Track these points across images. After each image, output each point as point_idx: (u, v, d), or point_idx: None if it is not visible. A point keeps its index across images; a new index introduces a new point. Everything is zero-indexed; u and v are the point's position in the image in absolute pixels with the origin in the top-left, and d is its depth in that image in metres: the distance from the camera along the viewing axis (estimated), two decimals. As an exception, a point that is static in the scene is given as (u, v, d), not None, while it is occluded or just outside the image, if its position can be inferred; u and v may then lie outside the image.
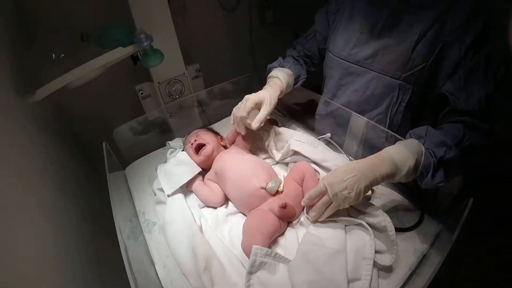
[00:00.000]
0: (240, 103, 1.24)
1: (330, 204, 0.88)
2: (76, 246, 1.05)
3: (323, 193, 0.89)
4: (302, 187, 1.03)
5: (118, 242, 0.88)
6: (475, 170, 1.09)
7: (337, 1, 1.27)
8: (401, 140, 0.99)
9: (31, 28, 1.51)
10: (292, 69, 1.35)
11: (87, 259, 1.10)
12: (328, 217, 0.91)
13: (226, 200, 1.13)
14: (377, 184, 0.88)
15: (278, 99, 1.26)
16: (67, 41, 1.37)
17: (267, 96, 1.21)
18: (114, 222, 0.93)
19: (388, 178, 0.88)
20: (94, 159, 1.77)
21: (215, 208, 1.11)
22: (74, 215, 1.17)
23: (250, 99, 1.19)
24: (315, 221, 0.94)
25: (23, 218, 0.81)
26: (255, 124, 1.16)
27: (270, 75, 1.34)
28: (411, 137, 0.95)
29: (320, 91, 1.41)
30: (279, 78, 1.29)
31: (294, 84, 1.36)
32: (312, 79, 1.46)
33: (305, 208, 0.99)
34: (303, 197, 0.95)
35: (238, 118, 1.18)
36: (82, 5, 1.59)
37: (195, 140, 1.22)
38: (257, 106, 1.20)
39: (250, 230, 0.96)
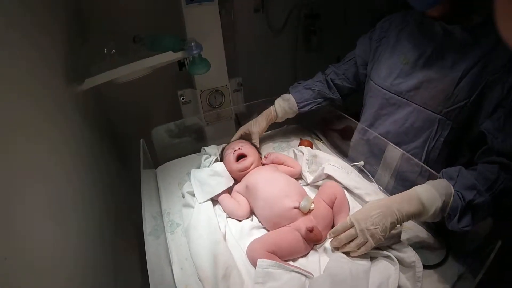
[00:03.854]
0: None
1: (355, 238, 0.88)
2: (96, 235, 1.08)
3: (348, 227, 0.89)
4: (332, 208, 1.01)
5: (136, 237, 0.88)
6: (506, 212, 1.05)
7: (382, 29, 1.28)
8: (435, 175, 0.98)
9: (88, 25, 1.60)
10: (297, 95, 1.45)
11: (104, 249, 1.12)
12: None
13: (251, 213, 1.14)
14: (403, 221, 0.87)
15: (316, 122, 1.43)
16: (120, 41, 1.45)
17: (253, 123, 1.43)
18: (135, 216, 0.95)
19: (414, 217, 0.88)
20: (127, 154, 1.83)
21: (240, 220, 1.12)
22: (99, 205, 1.20)
23: (239, 130, 1.44)
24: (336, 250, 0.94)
25: (54, 202, 0.83)
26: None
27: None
28: (443, 177, 0.93)
29: (357, 117, 1.42)
30: (274, 106, 1.46)
31: (301, 108, 1.45)
32: (348, 104, 1.49)
33: None
34: (332, 219, 0.96)
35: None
36: (139, 10, 1.68)
37: (239, 148, 1.25)
38: (247, 135, 1.43)
39: (267, 237, 0.97)
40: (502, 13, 0.37)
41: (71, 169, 1.02)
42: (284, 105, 1.43)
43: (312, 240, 0.96)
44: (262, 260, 0.86)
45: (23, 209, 0.67)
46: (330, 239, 0.95)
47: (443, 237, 1.02)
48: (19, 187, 0.66)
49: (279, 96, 1.50)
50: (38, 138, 0.83)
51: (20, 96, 0.76)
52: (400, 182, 1.19)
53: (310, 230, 0.94)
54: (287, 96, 1.45)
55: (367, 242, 0.86)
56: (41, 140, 0.85)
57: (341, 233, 0.90)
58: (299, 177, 1.27)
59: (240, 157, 1.23)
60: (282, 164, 1.27)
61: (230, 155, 1.24)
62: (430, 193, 0.87)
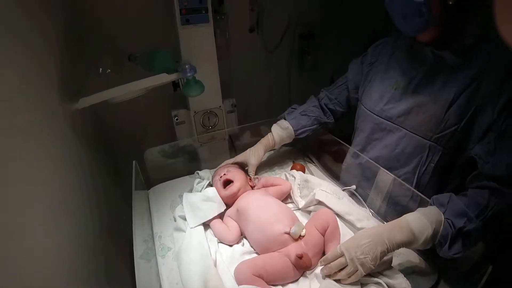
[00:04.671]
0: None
1: (345, 267, 0.88)
2: (89, 254, 1.07)
3: (339, 255, 0.90)
4: (323, 236, 1.01)
5: (127, 257, 0.89)
6: (498, 237, 1.05)
7: (373, 53, 1.30)
8: (426, 200, 0.99)
9: (83, 43, 1.62)
10: (294, 122, 1.45)
11: (97, 267, 1.11)
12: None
13: (241, 238, 1.13)
14: (393, 250, 0.88)
15: (310, 145, 1.41)
16: (116, 59, 1.46)
17: (251, 153, 1.40)
18: (127, 237, 0.95)
19: (405, 246, 0.89)
20: (122, 169, 1.83)
21: (231, 245, 1.11)
22: (93, 223, 1.19)
23: (236, 157, 1.42)
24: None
25: (46, 218, 0.83)
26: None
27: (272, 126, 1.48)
28: (434, 203, 0.94)
29: (349, 139, 1.44)
30: (272, 134, 1.44)
31: (297, 135, 1.45)
32: (341, 126, 1.50)
33: None
34: (324, 247, 0.96)
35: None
36: (134, 30, 1.70)
37: (225, 174, 1.24)
38: (244, 164, 1.41)
39: (256, 260, 0.97)
40: (502, 15, 0.37)
41: (64, 184, 1.03)
42: (282, 134, 1.43)
43: (301, 266, 0.96)
44: (244, 286, 0.87)
45: (21, 222, 0.69)
46: (321, 267, 0.95)
47: (435, 261, 1.02)
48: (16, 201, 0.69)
49: (273, 117, 1.51)
50: (34, 151, 0.85)
51: (14, 113, 0.77)
52: (392, 206, 1.19)
53: (300, 257, 0.93)
54: (285, 124, 1.44)
55: (357, 270, 0.86)
56: (38, 154, 0.87)
57: (332, 262, 0.90)
58: (290, 201, 1.27)
59: (227, 183, 1.23)
60: (271, 185, 1.27)
61: (217, 182, 1.24)
62: (420, 221, 0.88)
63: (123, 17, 1.71)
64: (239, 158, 1.41)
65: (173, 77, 1.36)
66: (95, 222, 1.21)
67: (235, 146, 1.67)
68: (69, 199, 1.03)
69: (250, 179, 1.31)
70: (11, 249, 0.62)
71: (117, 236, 1.44)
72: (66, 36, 1.39)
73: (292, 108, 1.52)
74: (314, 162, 1.59)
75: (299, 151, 1.67)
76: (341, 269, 0.89)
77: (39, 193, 0.81)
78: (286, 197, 1.29)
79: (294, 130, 1.43)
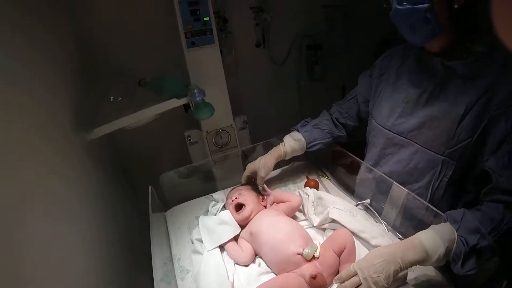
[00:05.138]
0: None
1: (359, 286, 0.88)
2: (110, 279, 1.14)
3: (352, 274, 0.89)
4: (339, 257, 1.01)
5: (148, 278, 0.93)
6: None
7: (381, 65, 1.29)
8: (441, 215, 0.98)
9: (94, 72, 1.67)
10: (307, 134, 1.44)
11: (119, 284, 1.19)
12: None
13: (254, 258, 1.14)
14: (407, 268, 0.87)
15: (323, 159, 1.48)
16: (126, 84, 1.50)
17: (261, 165, 1.37)
18: (148, 260, 1.00)
19: (418, 264, 0.88)
20: (138, 194, 1.87)
21: (247, 266, 1.12)
22: (114, 249, 1.26)
23: (247, 169, 1.40)
24: None
25: (69, 248, 0.93)
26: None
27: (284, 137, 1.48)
28: (447, 219, 0.93)
29: (361, 146, 1.44)
30: (284, 145, 1.43)
31: (309, 148, 1.44)
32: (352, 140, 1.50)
33: None
34: (339, 268, 0.97)
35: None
36: (142, 54, 1.75)
37: (236, 198, 1.26)
38: (253, 175, 1.38)
39: (273, 284, 0.97)
40: (500, 16, 0.37)
41: (86, 213, 1.13)
42: (295, 145, 1.42)
43: (315, 286, 0.96)
44: None
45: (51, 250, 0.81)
46: (336, 285, 0.95)
47: (451, 274, 1.00)
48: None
49: (285, 132, 1.51)
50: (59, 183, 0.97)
51: (24, 150, 0.83)
52: (407, 220, 1.18)
53: (314, 277, 0.94)
54: (298, 136, 1.44)
55: None
56: (63, 184, 1.00)
57: (346, 280, 0.90)
58: (305, 218, 1.27)
59: (239, 206, 1.24)
60: (281, 201, 1.28)
61: (230, 206, 1.26)
62: (433, 240, 0.87)
63: (130, 42, 1.77)
64: (249, 169, 1.41)
65: (183, 101, 1.39)
66: (117, 242, 1.27)
67: (249, 161, 1.68)
68: (93, 225, 1.13)
69: (262, 199, 1.31)
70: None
71: (137, 255, 1.48)
72: (78, 67, 1.44)
73: (305, 121, 1.52)
74: (327, 176, 1.59)
75: (312, 165, 1.68)
76: None
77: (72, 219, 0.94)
78: (300, 215, 1.30)
79: (306, 143, 1.43)
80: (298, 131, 1.47)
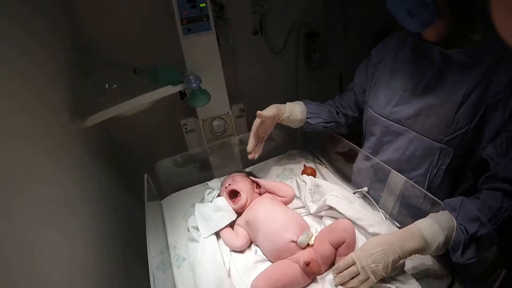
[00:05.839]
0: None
1: (357, 275, 0.87)
2: (108, 267, 1.14)
3: (351, 264, 0.89)
4: (336, 250, 1.00)
5: (146, 267, 0.93)
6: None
7: (377, 54, 1.28)
8: (439, 203, 0.98)
9: (89, 58, 1.65)
10: (309, 107, 1.41)
11: (117, 274, 1.21)
12: None
13: (250, 243, 1.14)
14: (405, 257, 0.87)
15: (320, 147, 1.50)
16: (121, 73, 1.48)
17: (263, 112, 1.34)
18: (146, 249, 0.99)
19: (417, 253, 0.88)
20: (134, 182, 1.86)
21: (243, 252, 1.12)
22: (111, 237, 1.26)
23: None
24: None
25: (63, 235, 0.92)
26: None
27: None
28: (446, 208, 0.93)
29: (358, 134, 1.43)
30: (285, 105, 1.39)
31: (309, 118, 1.40)
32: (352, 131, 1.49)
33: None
34: (334, 258, 0.97)
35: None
36: (138, 42, 1.73)
37: (230, 185, 1.24)
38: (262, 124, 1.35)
39: (269, 273, 0.97)
40: (498, 9, 0.36)
41: (81, 200, 1.13)
42: (295, 109, 1.37)
43: (309, 273, 0.96)
44: None
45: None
46: (333, 274, 0.94)
47: (449, 264, 1.00)
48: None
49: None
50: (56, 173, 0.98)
51: (22, 139, 0.83)
52: (405, 208, 1.18)
53: (307, 264, 0.94)
54: (300, 102, 1.41)
55: (369, 278, 0.86)
56: (61, 172, 1.01)
57: (344, 270, 0.90)
58: (302, 206, 1.27)
59: (233, 194, 1.22)
60: (274, 194, 1.26)
61: (224, 193, 1.24)
62: (432, 228, 0.87)
63: (125, 30, 1.74)
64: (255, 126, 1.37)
65: (178, 88, 1.37)
66: (114, 231, 1.28)
67: (245, 151, 1.67)
68: (91, 213, 1.14)
69: (256, 186, 1.30)
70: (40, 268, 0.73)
71: (137, 243, 1.48)
72: (73, 54, 1.42)
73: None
74: (325, 164, 1.58)
75: (309, 153, 1.67)
76: (354, 277, 0.88)
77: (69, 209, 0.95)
78: (297, 202, 1.28)
79: (307, 112, 1.39)
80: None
